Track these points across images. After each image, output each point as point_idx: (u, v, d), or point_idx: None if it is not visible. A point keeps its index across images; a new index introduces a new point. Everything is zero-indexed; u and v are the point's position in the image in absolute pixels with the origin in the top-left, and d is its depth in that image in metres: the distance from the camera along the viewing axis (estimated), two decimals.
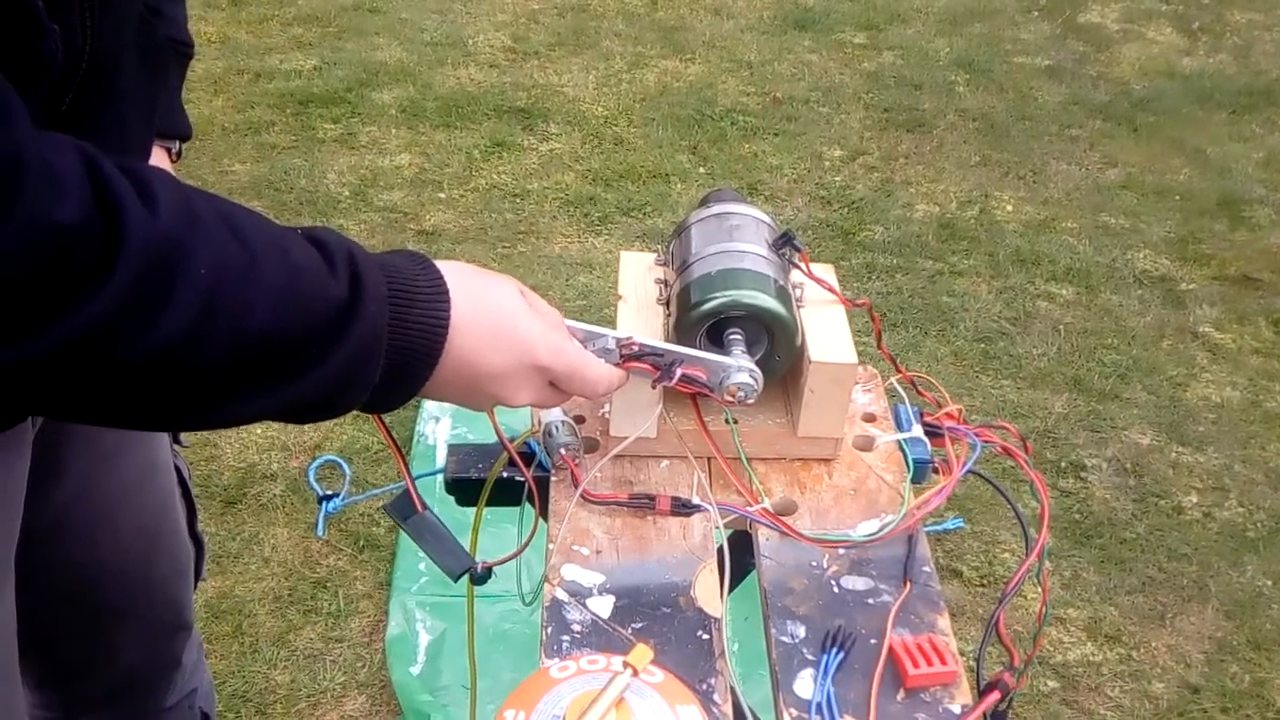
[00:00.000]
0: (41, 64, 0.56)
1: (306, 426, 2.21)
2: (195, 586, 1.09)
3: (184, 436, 1.12)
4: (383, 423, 0.79)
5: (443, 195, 3.03)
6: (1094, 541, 2.10)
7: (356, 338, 0.61)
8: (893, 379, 0.97)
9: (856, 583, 0.82)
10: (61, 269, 0.49)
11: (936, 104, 3.62)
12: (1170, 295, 2.81)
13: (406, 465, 0.83)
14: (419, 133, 3.29)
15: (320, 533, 2.00)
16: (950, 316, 2.67)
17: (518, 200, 3.02)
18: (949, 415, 0.99)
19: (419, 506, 0.83)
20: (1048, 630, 1.90)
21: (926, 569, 0.83)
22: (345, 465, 2.10)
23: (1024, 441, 1.01)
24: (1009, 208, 3.13)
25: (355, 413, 0.71)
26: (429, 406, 2.21)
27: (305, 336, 0.59)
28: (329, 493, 2.02)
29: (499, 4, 4.08)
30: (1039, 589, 0.97)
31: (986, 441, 0.95)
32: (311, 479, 2.06)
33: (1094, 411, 2.41)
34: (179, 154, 0.96)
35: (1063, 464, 2.27)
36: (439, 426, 2.17)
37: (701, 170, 3.19)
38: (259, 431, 2.21)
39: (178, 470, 1.03)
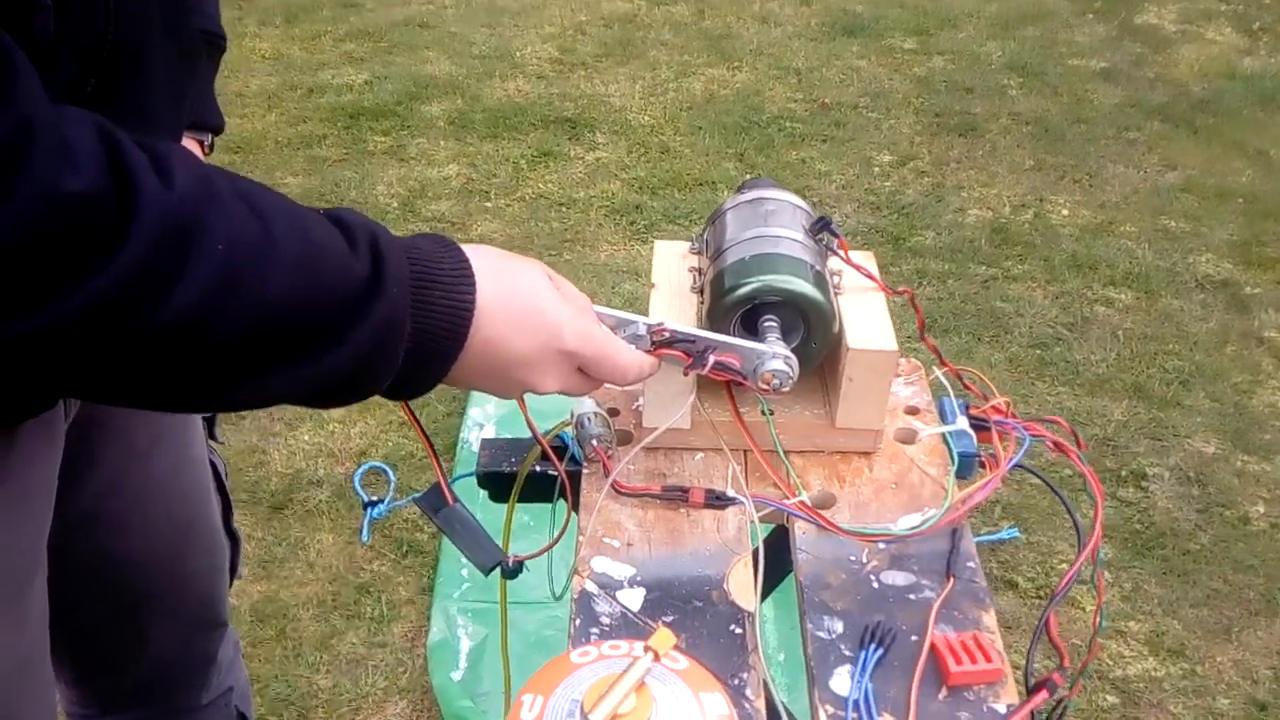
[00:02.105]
0: (33, 39, 0.56)
1: (352, 433, 2.22)
2: (230, 584, 1.09)
3: (226, 438, 1.12)
4: (411, 411, 0.78)
5: (490, 205, 3.04)
6: (1156, 553, 2.03)
7: (378, 317, 0.59)
8: (937, 372, 0.94)
9: (897, 578, 0.79)
10: (73, 239, 0.48)
11: (989, 108, 3.56)
12: (1234, 300, 2.72)
13: (436, 456, 0.81)
14: (467, 144, 3.31)
15: (365, 538, 2.00)
16: (1004, 322, 2.61)
17: (564, 209, 3.02)
18: (996, 409, 0.95)
19: (450, 499, 0.81)
20: (1107, 644, 1.84)
21: (971, 564, 0.80)
22: (390, 471, 2.10)
23: (1075, 436, 0.97)
24: (1065, 212, 3.06)
25: (399, 419, 0.70)
26: (473, 414, 2.21)
27: (325, 314, 0.58)
28: (374, 498, 2.03)
29: (546, 17, 4.11)
30: (1097, 597, 0.93)
31: (1036, 435, 0.92)
32: (357, 485, 2.07)
33: (1155, 419, 2.33)
34: (211, 146, 0.96)
35: (1123, 473, 2.20)
36: (483, 433, 2.17)
37: (748, 177, 3.17)
38: (305, 438, 2.23)
39: (213, 465, 1.03)
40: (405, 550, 1.99)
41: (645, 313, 0.84)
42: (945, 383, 0.92)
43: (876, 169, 3.23)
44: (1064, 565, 2.01)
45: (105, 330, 0.50)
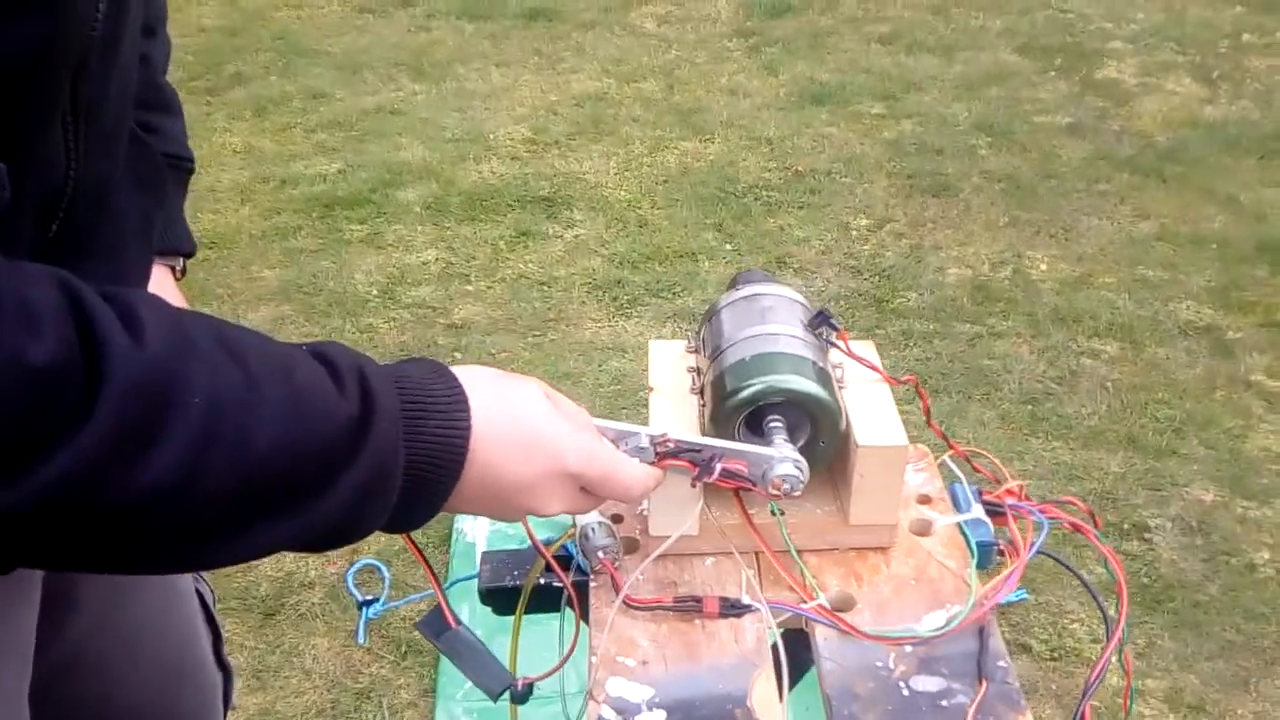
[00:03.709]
0: None
1: None
2: (224, 716, 1.04)
3: None
4: (410, 539, 0.75)
5: (470, 288, 3.03)
6: (1166, 606, 2.00)
7: (370, 457, 0.57)
8: (945, 456, 0.92)
9: (928, 683, 0.75)
10: (38, 412, 0.45)
11: (960, 167, 3.60)
12: (1218, 345, 2.73)
13: (437, 580, 0.78)
14: (444, 228, 3.31)
15: (361, 640, 1.94)
16: (993, 379, 2.60)
17: (545, 288, 3.01)
18: (1010, 492, 0.93)
19: (451, 622, 0.78)
20: (1120, 702, 1.80)
21: (1002, 664, 0.76)
22: (384, 569, 2.05)
23: (1093, 516, 0.95)
24: (1043, 266, 3.08)
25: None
26: None
27: (314, 461, 0.55)
28: (369, 597, 1.96)
29: (517, 99, 4.14)
30: (1114, 663, 0.90)
31: (1053, 519, 0.89)
32: (350, 584, 2.02)
33: (1152, 469, 2.32)
34: (183, 271, 0.94)
35: (1125, 526, 2.18)
36: (477, 524, 2.13)
37: (728, 247, 3.18)
38: None
39: (200, 596, 0.98)
40: (404, 650, 1.93)
41: (642, 409, 0.82)
42: (956, 470, 0.90)
43: (854, 233, 3.25)
44: (1075, 625, 1.98)
45: (78, 504, 0.47)
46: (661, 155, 3.71)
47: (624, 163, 3.67)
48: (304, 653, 1.94)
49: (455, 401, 0.63)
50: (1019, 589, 2.03)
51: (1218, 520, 2.18)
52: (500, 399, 0.66)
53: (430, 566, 0.78)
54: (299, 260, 3.16)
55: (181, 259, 0.93)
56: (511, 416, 0.66)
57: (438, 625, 0.78)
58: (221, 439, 0.50)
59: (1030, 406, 2.52)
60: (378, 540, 2.14)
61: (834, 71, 4.30)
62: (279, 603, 2.04)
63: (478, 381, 0.65)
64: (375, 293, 3.00)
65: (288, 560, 2.13)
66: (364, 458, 0.56)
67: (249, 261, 3.15)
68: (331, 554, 2.13)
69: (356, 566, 2.06)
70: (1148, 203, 3.40)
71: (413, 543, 0.73)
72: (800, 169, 3.60)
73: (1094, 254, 3.13)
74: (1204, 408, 2.50)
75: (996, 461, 0.98)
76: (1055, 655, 1.92)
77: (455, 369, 0.65)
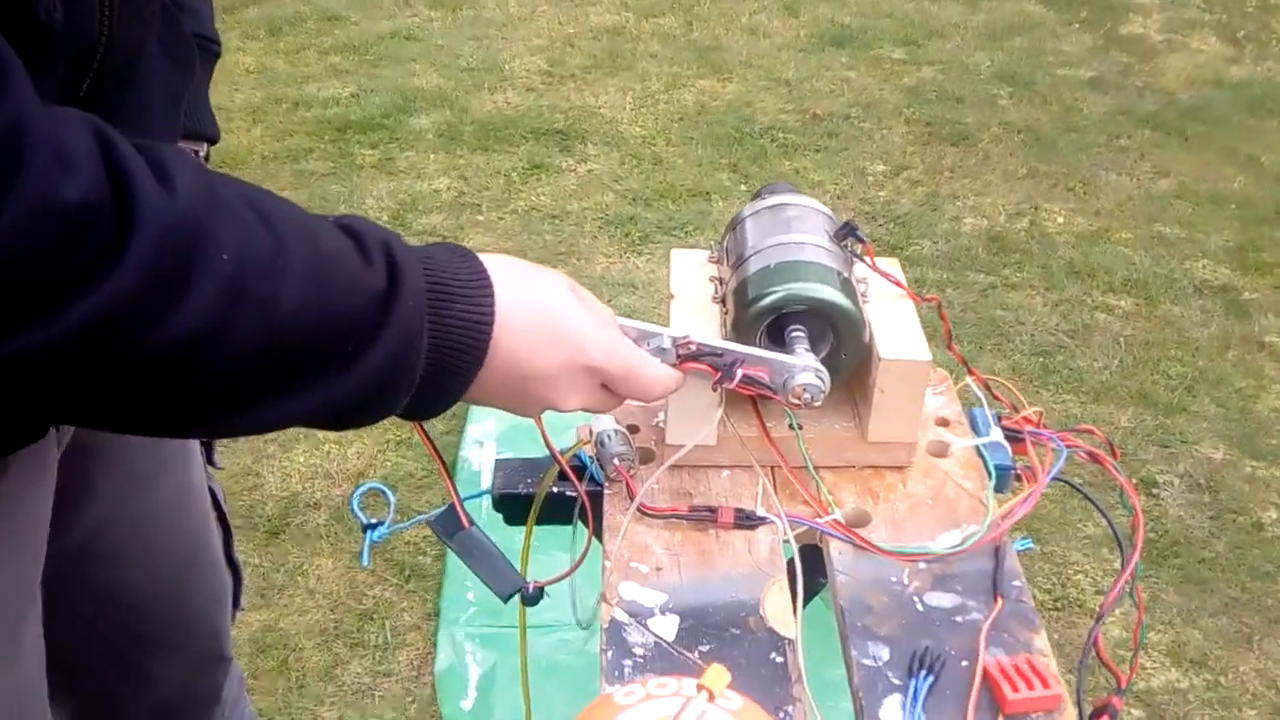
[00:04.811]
0: (39, 30, 0.52)
1: (349, 453, 2.17)
2: (233, 616, 1.04)
3: (223, 462, 1.07)
4: (425, 432, 0.74)
5: (481, 218, 3.00)
6: (1171, 561, 2.00)
7: (395, 333, 0.56)
8: (967, 379, 0.90)
9: (942, 599, 0.75)
10: (68, 251, 0.44)
11: (980, 117, 3.55)
12: (1233, 305, 2.71)
13: (451, 477, 0.78)
14: (457, 156, 3.27)
15: (365, 562, 1.95)
16: (1005, 331, 2.58)
17: (557, 221, 2.98)
18: (1028, 419, 0.92)
19: (465, 522, 0.77)
20: (1128, 656, 1.80)
21: (1017, 584, 0.76)
22: (389, 493, 2.05)
23: (1111, 446, 0.94)
24: (1060, 219, 3.05)
25: (397, 437, 0.66)
26: (472, 430, 2.16)
27: (339, 330, 0.54)
28: (373, 520, 1.97)
29: (534, 29, 4.07)
30: (1119, 608, 0.89)
31: (1071, 446, 0.88)
32: (355, 507, 2.01)
33: (1162, 426, 2.31)
34: (207, 157, 0.92)
35: (1134, 480, 2.18)
36: (483, 451, 2.12)
37: (742, 188, 3.14)
38: (301, 460, 2.18)
39: (212, 493, 0.98)
40: (408, 574, 1.94)
41: (663, 324, 0.80)
42: (978, 392, 0.89)
43: (870, 179, 3.21)
44: (1079, 576, 1.98)
45: (103, 349, 0.46)
46: (678, 93, 3.66)
47: (640, 98, 3.62)
48: (308, 572, 1.95)
49: (480, 286, 0.61)
50: (1024, 538, 2.04)
51: (1226, 478, 2.18)
52: (525, 287, 0.64)
53: (444, 462, 0.77)
54: (309, 183, 3.13)
55: (205, 144, 0.91)
56: (536, 305, 0.64)
57: (451, 524, 0.78)
58: (248, 297, 0.49)
59: (1042, 359, 2.50)
60: (384, 464, 2.14)
61: (856, 14, 4.23)
62: (284, 522, 2.04)
63: (503, 268, 0.64)
64: (385, 218, 2.98)
65: (293, 480, 2.13)
66: (389, 333, 0.55)
67: (259, 182, 3.00)
68: (336, 476, 2.13)
69: (362, 489, 2.05)
70: (1168, 160, 3.35)
71: (425, 434, 0.72)
72: (818, 112, 3.54)
73: (1112, 209, 3.10)
74: (1216, 366, 2.49)
75: (1015, 390, 0.97)
76: (1058, 605, 1.93)
77: (481, 255, 0.64)
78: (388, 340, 0.55)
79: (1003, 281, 2.77)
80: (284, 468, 2.16)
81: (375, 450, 2.17)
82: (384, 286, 0.56)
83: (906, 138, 3.42)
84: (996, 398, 0.95)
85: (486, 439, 2.14)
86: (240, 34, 3.97)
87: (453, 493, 0.77)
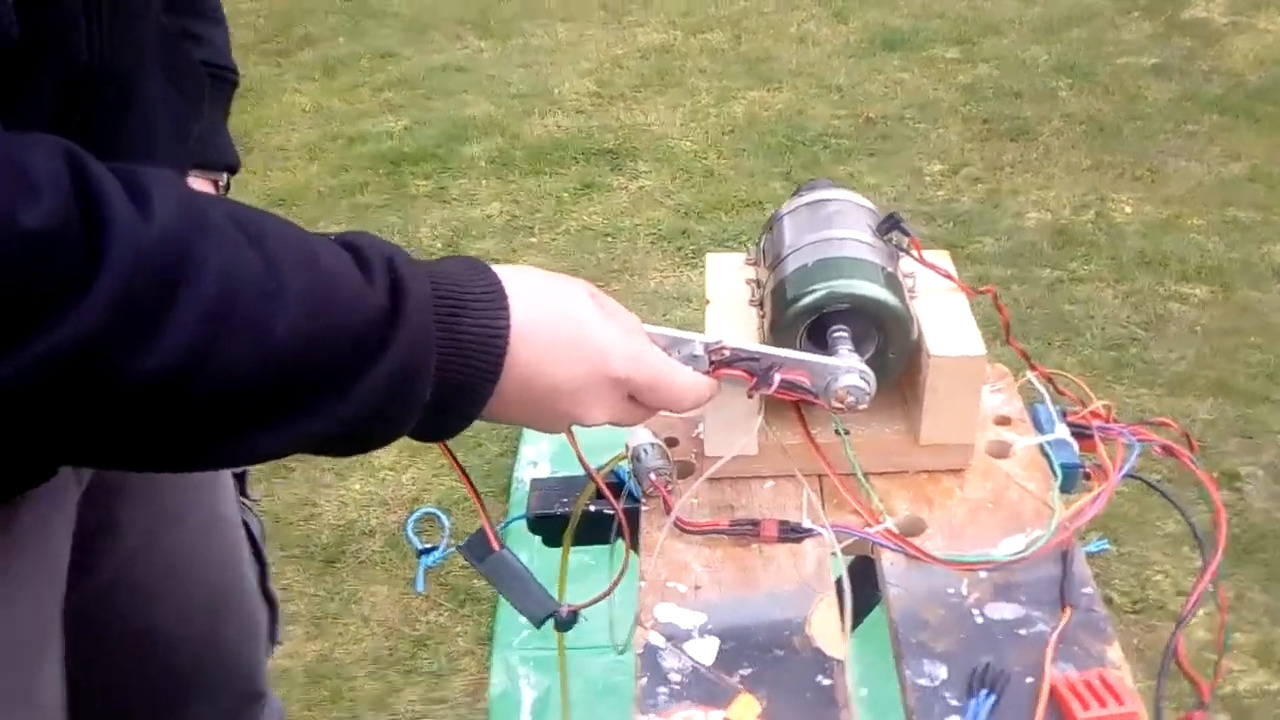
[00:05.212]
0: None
1: (404, 479, 2.16)
2: (270, 651, 1.02)
3: (274, 491, 1.05)
4: (449, 450, 0.70)
5: (534, 240, 3.00)
6: (1257, 557, 1.90)
7: (399, 352, 0.53)
8: (1030, 376, 0.85)
9: (1004, 610, 0.69)
10: (32, 279, 0.42)
11: (1039, 111, 3.46)
12: None
13: (479, 497, 0.74)
14: (508, 181, 3.28)
15: (419, 588, 1.93)
16: (1075, 325, 2.50)
17: (609, 239, 2.97)
18: (1095, 414, 0.86)
19: (495, 545, 0.74)
20: (1207, 657, 1.71)
21: (1088, 590, 0.70)
22: (444, 517, 2.04)
23: (1188, 438, 0.88)
24: (1128, 209, 2.95)
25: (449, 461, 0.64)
26: (526, 452, 2.14)
27: (339, 353, 0.51)
28: (427, 545, 1.96)
29: (583, 53, 4.08)
30: (1198, 611, 0.82)
31: (1144, 440, 0.82)
32: (409, 533, 2.01)
33: (1243, 416, 2.21)
34: (227, 187, 0.91)
35: (1215, 474, 2.07)
36: (537, 472, 2.10)
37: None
38: (356, 487, 2.18)
39: (246, 526, 0.96)
40: (462, 599, 1.92)
41: (700, 332, 0.76)
42: (1040, 388, 0.83)
43: (928, 179, 3.14)
44: (1160, 577, 1.89)
45: (76, 383, 0.44)
46: (728, 105, 3.63)
47: (690, 114, 3.60)
48: (363, 600, 1.94)
49: (494, 298, 0.58)
50: (1100, 538, 1.95)
51: None
52: (543, 297, 0.61)
53: (473, 484, 0.74)
54: (365, 215, 3.16)
55: (224, 174, 0.90)
56: (555, 317, 0.61)
57: (481, 549, 0.75)
58: (236, 324, 0.47)
59: (1114, 353, 2.41)
60: (438, 488, 2.13)
61: (906, 17, 4.16)
62: (339, 550, 2.04)
63: (519, 279, 0.61)
64: (440, 245, 2.99)
65: (349, 508, 2.13)
66: (393, 352, 0.52)
67: (317, 218, 3.16)
68: (391, 503, 2.13)
69: (416, 515, 2.05)
70: (1238, 143, 3.23)
71: (451, 454, 0.69)
72: (871, 115, 3.48)
73: (1182, 196, 2.99)
74: None
75: (1081, 383, 0.91)
76: (1138, 608, 1.84)
77: (498, 267, 0.61)
78: (392, 358, 0.52)
79: (1070, 275, 2.68)
80: (340, 496, 2.16)
81: (430, 475, 2.17)
82: (386, 303, 0.53)
83: (964, 136, 3.34)
84: (1062, 393, 0.89)
85: (541, 460, 2.11)
86: (296, 75, 4.05)
87: (482, 513, 0.74)
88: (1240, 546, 1.91)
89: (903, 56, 3.87)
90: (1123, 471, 0.77)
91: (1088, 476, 0.80)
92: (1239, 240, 2.77)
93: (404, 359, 0.53)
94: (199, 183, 0.86)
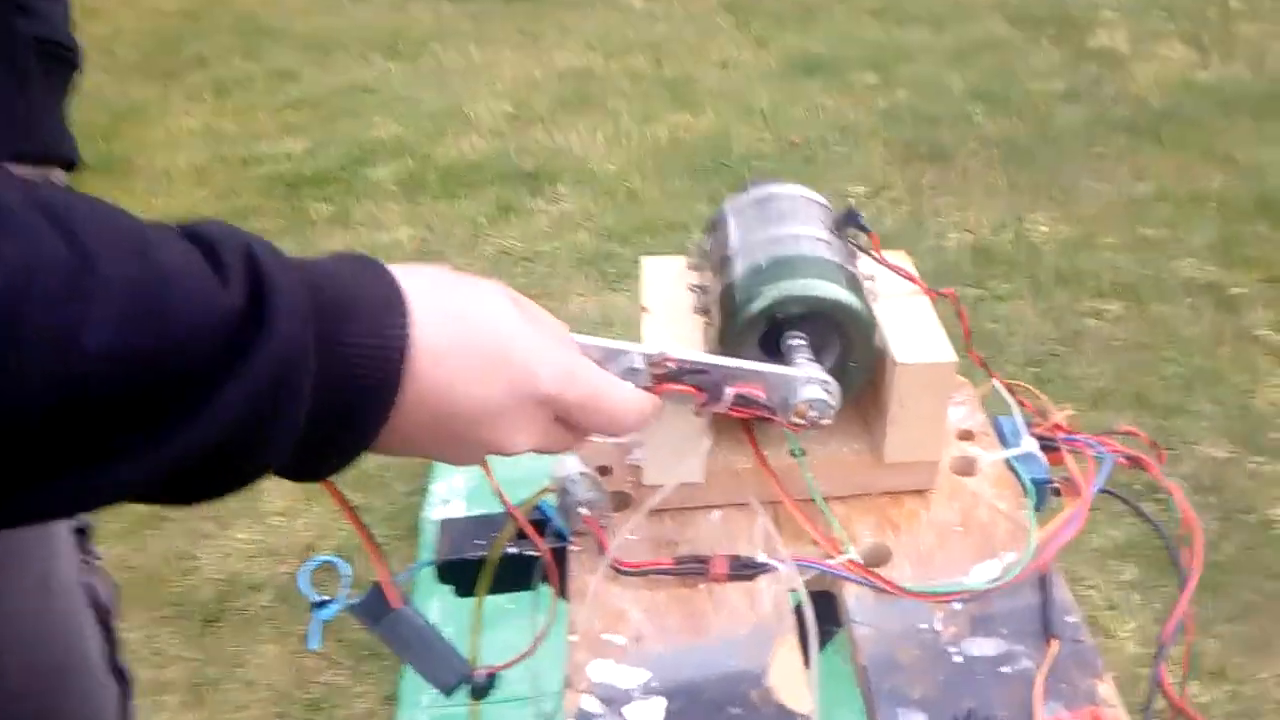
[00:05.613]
0: None
1: (297, 525, 2.00)
2: None
3: (145, 544, 0.92)
4: (336, 490, 0.57)
5: (448, 266, 2.89)
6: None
7: (264, 367, 0.41)
8: (995, 383, 0.79)
9: (984, 646, 0.62)
10: None
11: (956, 134, 3.50)
12: (1221, 301, 2.65)
13: (374, 545, 0.61)
14: (419, 205, 3.17)
15: (314, 644, 1.77)
16: (998, 342, 2.50)
17: (529, 264, 2.88)
18: (1059, 426, 0.80)
19: (395, 602, 0.63)
20: (1144, 672, 1.69)
21: (1072, 619, 0.63)
22: (343, 565, 1.89)
23: (1156, 447, 0.83)
24: (1044, 229, 2.99)
25: (353, 502, 0.53)
26: (437, 489, 2.00)
27: (179, 367, 0.39)
28: (323, 598, 1.80)
29: (498, 74, 4.00)
30: (1129, 624, 0.77)
31: (1114, 452, 0.77)
32: (302, 584, 1.85)
33: (1162, 428, 2.23)
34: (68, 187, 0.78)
35: (1136, 485, 2.06)
36: (449, 511, 1.95)
37: None
38: (242, 537, 2.02)
39: (91, 588, 0.82)
40: (364, 654, 1.77)
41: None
42: (1008, 399, 0.77)
43: (852, 200, 3.13)
44: (1091, 592, 1.89)
45: None
46: (651, 128, 3.58)
47: (612, 136, 3.54)
48: (249, 662, 1.77)
49: (388, 302, 0.48)
50: None
51: (1230, 477, 2.11)
52: (452, 300, 0.51)
53: (364, 526, 0.61)
54: None
55: (58, 168, 0.76)
56: (467, 323, 0.51)
57: (377, 607, 0.64)
58: (34, 331, 0.36)
59: (1036, 369, 2.42)
60: (337, 534, 1.98)
61: (824, 43, 4.19)
62: (221, 607, 1.88)
63: (421, 278, 0.50)
64: None
65: (232, 560, 1.97)
66: (253, 368, 0.41)
67: None
68: (283, 552, 1.97)
69: (311, 564, 1.90)
70: (1146, 164, 3.31)
71: (337, 493, 0.57)
72: (795, 139, 3.47)
73: (1094, 215, 3.04)
74: (1211, 364, 2.43)
75: (1039, 394, 0.86)
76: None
77: (394, 265, 0.51)
78: (252, 376, 0.41)
79: (991, 294, 2.70)
80: (222, 547, 2.00)
81: (329, 519, 2.01)
82: (242, 305, 0.42)
83: (885, 158, 3.36)
84: (1023, 405, 0.83)
85: (454, 497, 1.98)
86: (184, 96, 3.88)
87: (378, 565, 0.63)
88: (1166, 557, 1.89)
89: (823, 81, 3.89)
90: (1098, 485, 0.71)
91: (1058, 493, 0.74)
92: (1150, 257, 2.83)
93: (268, 377, 0.42)
94: (29, 175, 0.73)
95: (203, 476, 0.42)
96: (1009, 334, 2.53)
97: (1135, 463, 0.79)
